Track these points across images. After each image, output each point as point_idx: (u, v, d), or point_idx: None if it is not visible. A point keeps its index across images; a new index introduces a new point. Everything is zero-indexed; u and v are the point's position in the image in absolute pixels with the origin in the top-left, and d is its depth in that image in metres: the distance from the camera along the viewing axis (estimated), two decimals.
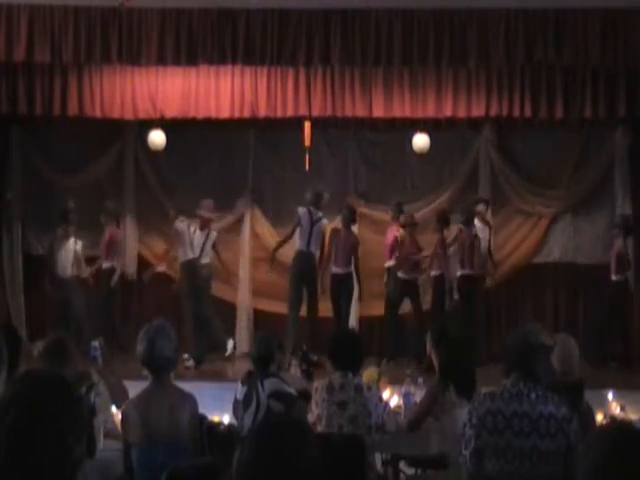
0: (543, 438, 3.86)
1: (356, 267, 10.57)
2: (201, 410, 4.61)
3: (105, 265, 10.88)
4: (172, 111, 10.57)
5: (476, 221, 10.73)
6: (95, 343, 5.54)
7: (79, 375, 5.00)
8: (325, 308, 10.56)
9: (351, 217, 10.66)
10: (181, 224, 10.48)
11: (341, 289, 10.48)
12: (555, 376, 4.42)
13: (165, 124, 10.87)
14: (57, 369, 4.79)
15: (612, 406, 7.22)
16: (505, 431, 3.86)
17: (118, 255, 10.99)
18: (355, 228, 11.02)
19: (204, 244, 10.58)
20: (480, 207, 10.92)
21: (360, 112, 10.53)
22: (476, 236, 10.46)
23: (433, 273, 10.57)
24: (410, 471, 6.02)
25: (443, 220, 10.60)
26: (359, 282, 10.62)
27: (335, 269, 10.52)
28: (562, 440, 3.86)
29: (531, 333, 4.00)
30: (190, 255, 10.43)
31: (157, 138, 11.01)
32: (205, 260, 10.62)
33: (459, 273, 10.42)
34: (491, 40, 9.50)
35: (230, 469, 2.28)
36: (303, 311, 10.58)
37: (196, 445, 4.44)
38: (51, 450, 2.01)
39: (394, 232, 10.82)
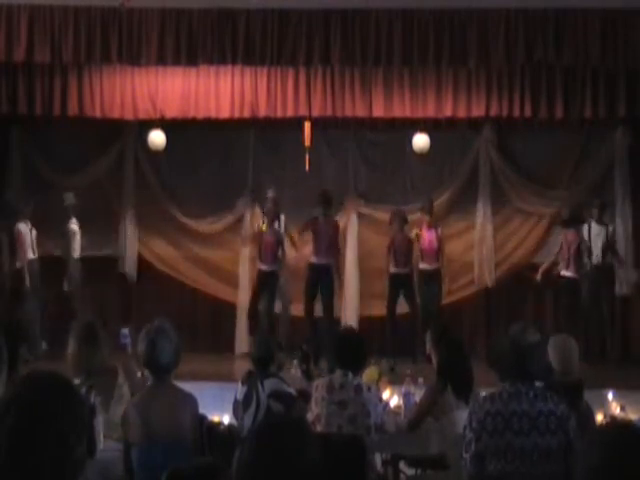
0: (543, 435, 3.86)
1: (337, 254, 10.34)
2: (201, 410, 4.61)
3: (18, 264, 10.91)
4: (172, 111, 10.57)
5: (593, 223, 10.81)
6: (125, 330, 5.32)
7: (107, 369, 5.01)
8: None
9: (327, 203, 10.33)
10: (24, 226, 10.63)
11: (320, 280, 10.25)
12: (551, 368, 4.42)
13: (165, 124, 10.87)
14: (88, 352, 4.84)
15: (612, 406, 7.22)
16: (505, 431, 3.86)
17: (22, 254, 10.90)
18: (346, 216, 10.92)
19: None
20: (595, 209, 10.92)
21: (360, 112, 10.53)
22: (582, 239, 10.64)
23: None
24: (410, 471, 6.02)
25: (404, 219, 10.58)
26: (338, 270, 10.35)
27: (315, 260, 10.26)
28: (562, 437, 3.87)
29: (518, 335, 3.99)
30: (31, 256, 10.66)
31: (157, 138, 11.01)
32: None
33: (562, 273, 10.62)
34: (491, 40, 9.50)
35: (230, 469, 2.28)
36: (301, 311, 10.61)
37: (196, 445, 4.44)
38: (52, 450, 2.00)
39: (435, 233, 10.70)
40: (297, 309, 10.90)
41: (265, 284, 10.48)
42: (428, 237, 10.70)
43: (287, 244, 10.79)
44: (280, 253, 10.55)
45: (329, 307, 10.28)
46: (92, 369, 4.92)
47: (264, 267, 10.47)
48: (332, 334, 9.79)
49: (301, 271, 10.65)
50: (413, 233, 10.73)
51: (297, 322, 10.96)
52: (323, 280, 10.23)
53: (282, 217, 10.85)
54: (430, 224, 10.74)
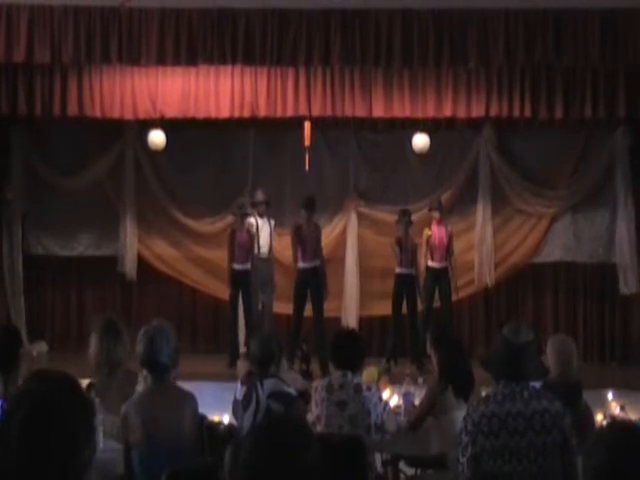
0: (539, 434, 3.85)
1: (321, 261, 10.39)
2: (201, 410, 4.62)
3: None
4: (172, 111, 10.56)
5: None
6: None
7: (128, 371, 5.01)
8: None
9: (310, 209, 10.38)
10: None
11: (309, 285, 10.29)
12: (545, 367, 4.42)
13: (165, 124, 10.87)
14: (109, 347, 4.86)
15: (612, 406, 7.20)
16: (500, 432, 3.85)
17: None
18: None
19: None
20: None
21: (360, 112, 10.52)
22: None
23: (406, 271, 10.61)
24: (410, 471, 6.01)
25: (411, 220, 10.62)
26: (324, 277, 10.39)
27: (302, 264, 10.31)
28: (558, 435, 3.87)
29: (511, 335, 3.98)
30: None
31: (157, 138, 11.00)
32: None
33: None
34: (491, 40, 9.48)
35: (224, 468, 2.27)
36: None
37: (196, 445, 4.45)
38: (61, 446, 2.01)
39: (445, 231, 10.72)
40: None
41: (240, 283, 10.52)
42: (438, 234, 10.69)
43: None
44: (255, 252, 10.62)
45: (320, 310, 10.33)
46: (113, 364, 4.92)
47: (238, 266, 10.51)
48: (323, 337, 9.88)
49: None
50: (425, 234, 10.71)
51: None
52: (312, 284, 10.29)
53: (272, 221, 10.86)
54: (440, 221, 10.74)
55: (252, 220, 10.80)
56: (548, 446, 3.85)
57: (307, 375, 9.14)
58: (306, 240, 10.31)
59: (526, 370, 3.94)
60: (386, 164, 11.83)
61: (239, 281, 10.47)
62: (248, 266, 10.52)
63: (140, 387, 4.93)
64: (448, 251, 10.73)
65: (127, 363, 5.08)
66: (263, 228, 10.75)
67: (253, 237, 10.65)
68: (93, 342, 5.02)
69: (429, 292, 10.66)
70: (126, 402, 4.58)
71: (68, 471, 2.02)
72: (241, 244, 10.49)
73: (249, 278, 10.53)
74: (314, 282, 10.28)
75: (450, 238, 10.76)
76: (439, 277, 10.66)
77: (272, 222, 10.85)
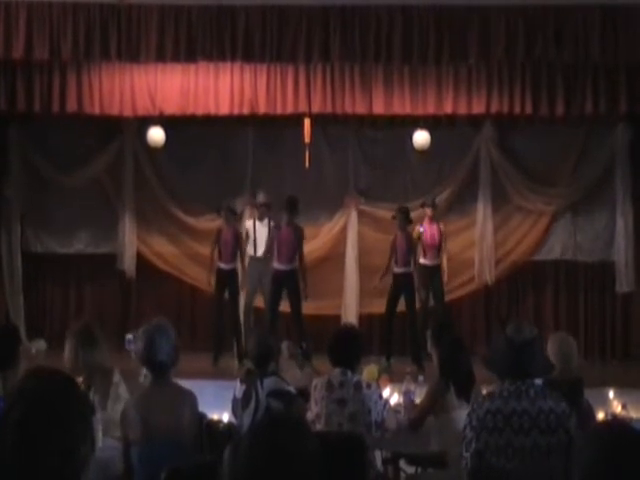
0: (544, 434, 3.84)
1: (300, 262, 10.41)
2: (200, 408, 4.60)
3: None
4: (171, 108, 10.54)
5: None
6: (130, 336, 5.27)
7: (104, 370, 4.99)
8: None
9: (292, 210, 10.38)
10: None
11: (284, 286, 10.33)
12: (551, 364, 4.39)
13: (164, 121, 10.85)
14: (85, 353, 4.84)
15: (613, 404, 7.19)
16: (505, 429, 3.84)
17: None
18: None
19: None
20: None
21: (360, 109, 10.49)
22: None
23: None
24: (410, 469, 6.00)
25: (408, 217, 10.57)
26: (303, 278, 10.41)
27: (277, 265, 10.37)
28: (563, 435, 3.85)
29: (513, 333, 3.96)
30: None
31: (156, 135, 10.99)
32: None
33: None
34: (492, 37, 9.46)
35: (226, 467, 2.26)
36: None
37: (196, 443, 4.43)
38: (56, 446, 2.00)
39: (437, 228, 10.68)
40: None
41: (225, 283, 10.53)
42: (430, 232, 10.66)
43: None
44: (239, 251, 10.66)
45: (298, 311, 10.37)
46: (90, 369, 4.90)
47: (223, 266, 10.54)
48: (304, 337, 9.91)
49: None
50: (415, 233, 10.67)
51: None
52: (288, 285, 10.34)
53: (272, 223, 10.80)
54: (432, 218, 10.70)
55: (249, 223, 10.81)
56: (552, 446, 3.83)
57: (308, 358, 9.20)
58: (281, 242, 10.34)
59: (530, 368, 3.92)
60: (386, 161, 11.81)
61: (224, 280, 10.48)
62: (233, 265, 10.54)
63: (116, 378, 4.94)
64: (440, 249, 10.68)
65: (104, 362, 5.03)
66: (261, 230, 10.71)
67: (240, 237, 10.66)
68: (68, 348, 4.97)
69: (426, 290, 10.63)
70: (121, 400, 4.59)
71: (65, 469, 2.01)
72: (226, 243, 10.52)
73: (235, 278, 10.55)
74: (289, 284, 10.33)
75: (442, 236, 10.71)
76: (431, 275, 10.63)
77: (272, 224, 10.77)
